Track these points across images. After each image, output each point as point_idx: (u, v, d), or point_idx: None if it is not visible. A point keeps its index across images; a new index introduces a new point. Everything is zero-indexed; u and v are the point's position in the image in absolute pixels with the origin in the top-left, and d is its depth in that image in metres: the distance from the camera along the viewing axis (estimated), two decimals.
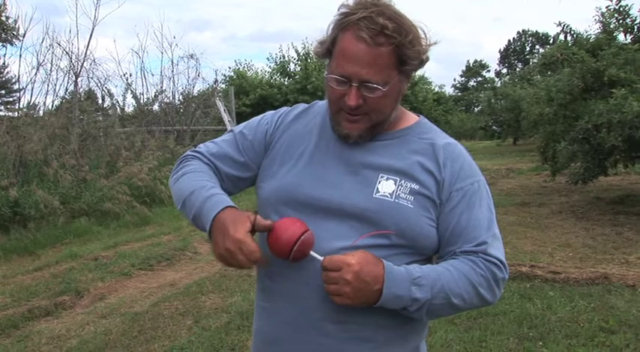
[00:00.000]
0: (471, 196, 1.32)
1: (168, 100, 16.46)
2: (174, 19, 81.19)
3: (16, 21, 11.93)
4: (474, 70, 62.81)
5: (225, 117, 15.58)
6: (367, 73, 1.22)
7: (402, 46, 1.22)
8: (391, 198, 1.29)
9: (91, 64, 12.87)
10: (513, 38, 60.58)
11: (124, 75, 15.58)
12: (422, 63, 1.30)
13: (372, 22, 1.20)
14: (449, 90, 54.59)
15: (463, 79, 63.81)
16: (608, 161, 8.81)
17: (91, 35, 12.31)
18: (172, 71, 16.32)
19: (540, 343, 3.80)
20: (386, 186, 1.30)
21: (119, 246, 7.37)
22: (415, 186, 1.30)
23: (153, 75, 31.05)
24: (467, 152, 1.40)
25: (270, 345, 1.43)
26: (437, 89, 40.07)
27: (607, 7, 9.50)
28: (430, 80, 36.99)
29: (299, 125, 1.45)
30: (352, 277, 1.17)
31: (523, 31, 59.45)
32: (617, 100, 7.61)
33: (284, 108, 1.53)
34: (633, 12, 9.36)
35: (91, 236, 8.12)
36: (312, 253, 1.23)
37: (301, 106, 1.52)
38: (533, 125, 11.62)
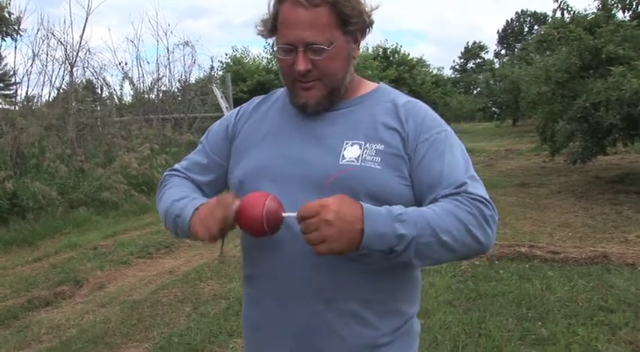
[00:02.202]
0: (439, 145, 1.30)
1: (165, 88, 16.40)
2: (170, 7, 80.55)
3: (19, 18, 11.86)
4: (473, 51, 62.56)
5: (223, 103, 15.50)
6: (309, 35, 1.25)
7: (338, 4, 1.24)
8: (357, 162, 1.28)
9: (86, 54, 12.80)
10: (512, 19, 60.34)
11: (120, 63, 15.41)
12: (366, 24, 1.32)
13: None
14: (448, 73, 54.40)
15: (462, 60, 63.58)
16: (606, 140, 8.79)
17: (85, 25, 12.22)
18: (168, 59, 16.23)
19: (539, 323, 3.79)
20: (351, 152, 1.29)
21: (118, 235, 7.38)
22: (380, 147, 1.29)
23: (149, 63, 30.98)
24: (429, 108, 1.40)
25: (257, 332, 1.42)
26: (435, 71, 39.93)
27: None
28: (428, 63, 36.90)
29: (259, 113, 1.48)
30: (333, 216, 1.11)
31: (522, 11, 59.18)
32: (615, 78, 7.56)
33: (244, 104, 1.55)
34: None
35: (90, 225, 8.12)
36: (284, 215, 1.21)
37: (260, 97, 1.54)
38: (532, 105, 11.57)
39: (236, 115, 1.50)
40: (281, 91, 1.49)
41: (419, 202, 1.28)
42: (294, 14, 1.24)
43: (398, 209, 1.18)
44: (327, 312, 1.30)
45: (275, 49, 1.34)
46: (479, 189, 1.25)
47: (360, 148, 1.29)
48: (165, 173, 1.56)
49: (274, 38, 1.34)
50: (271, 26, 1.32)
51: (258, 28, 1.36)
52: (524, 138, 20.12)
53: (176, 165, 1.56)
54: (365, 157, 1.28)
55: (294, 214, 1.17)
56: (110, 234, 7.47)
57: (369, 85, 1.43)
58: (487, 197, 1.24)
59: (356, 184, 1.25)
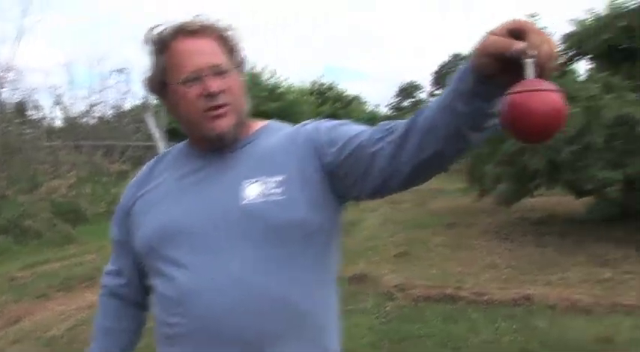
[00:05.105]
0: (340, 129, 1.25)
1: (99, 114, 16.07)
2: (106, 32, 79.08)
3: None
4: (408, 90, 63.96)
5: (156, 133, 15.27)
6: (212, 57, 1.26)
7: (223, 35, 1.30)
8: (260, 198, 1.22)
9: (16, 75, 12.42)
10: (445, 62, 62.14)
11: (52, 87, 15.03)
12: (243, 57, 1.35)
13: (189, 23, 1.27)
14: (384, 110, 55.37)
15: (398, 99, 64.84)
16: (531, 184, 9.06)
17: (16, 44, 11.89)
18: (102, 85, 15.95)
19: None
20: (251, 190, 1.24)
21: (38, 266, 7.05)
22: (280, 178, 1.24)
23: (82, 88, 30.21)
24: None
25: None
26: (372, 108, 40.65)
27: None
28: (365, 100, 37.56)
29: (151, 176, 1.42)
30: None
31: (455, 55, 61.05)
32: None
33: (137, 173, 1.50)
34: None
35: (9, 255, 7.77)
36: (526, 61, 0.84)
37: (152, 161, 1.49)
38: None
39: (131, 187, 1.45)
40: (167, 151, 1.47)
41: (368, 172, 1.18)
42: (191, 44, 1.26)
43: None
44: None
45: (172, 90, 1.28)
46: None
47: (260, 184, 1.24)
48: (101, 281, 1.55)
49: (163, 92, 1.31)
50: (160, 80, 1.29)
51: (149, 88, 1.34)
52: (452, 177, 20.52)
53: (106, 269, 1.55)
54: (265, 192, 1.23)
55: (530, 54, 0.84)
56: (29, 264, 7.14)
57: (260, 123, 1.41)
58: None
59: (259, 223, 1.21)
